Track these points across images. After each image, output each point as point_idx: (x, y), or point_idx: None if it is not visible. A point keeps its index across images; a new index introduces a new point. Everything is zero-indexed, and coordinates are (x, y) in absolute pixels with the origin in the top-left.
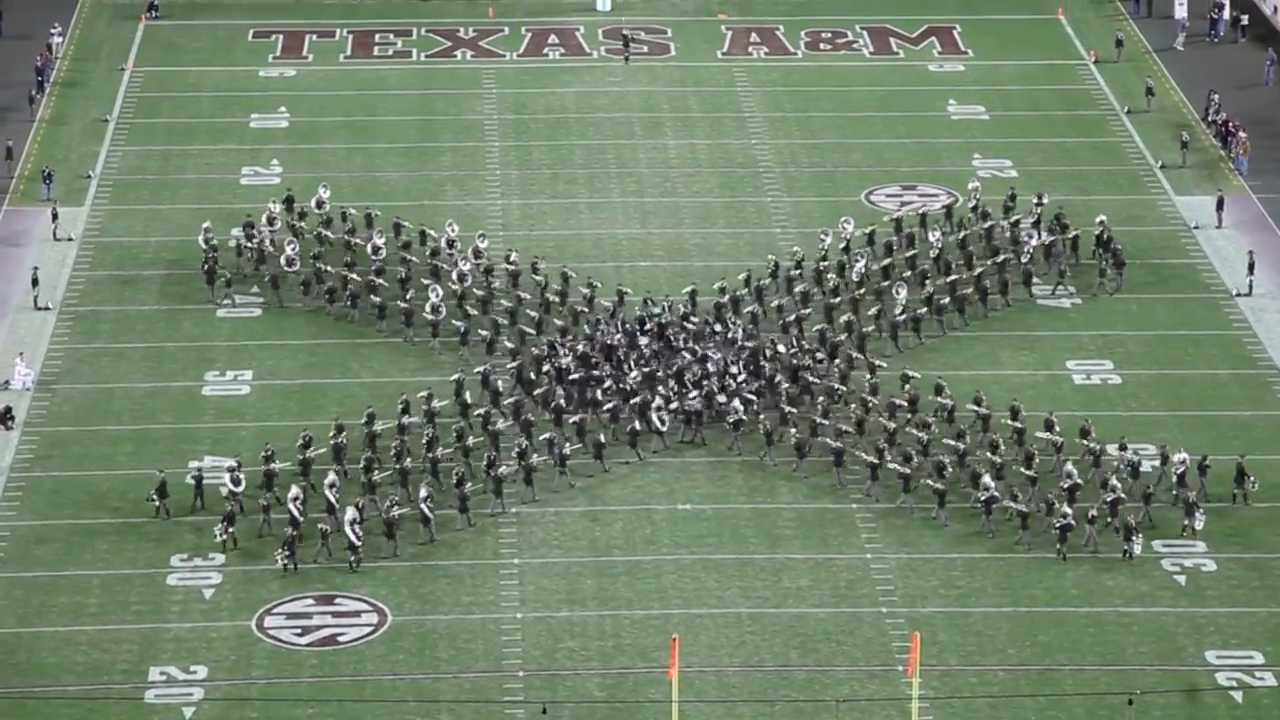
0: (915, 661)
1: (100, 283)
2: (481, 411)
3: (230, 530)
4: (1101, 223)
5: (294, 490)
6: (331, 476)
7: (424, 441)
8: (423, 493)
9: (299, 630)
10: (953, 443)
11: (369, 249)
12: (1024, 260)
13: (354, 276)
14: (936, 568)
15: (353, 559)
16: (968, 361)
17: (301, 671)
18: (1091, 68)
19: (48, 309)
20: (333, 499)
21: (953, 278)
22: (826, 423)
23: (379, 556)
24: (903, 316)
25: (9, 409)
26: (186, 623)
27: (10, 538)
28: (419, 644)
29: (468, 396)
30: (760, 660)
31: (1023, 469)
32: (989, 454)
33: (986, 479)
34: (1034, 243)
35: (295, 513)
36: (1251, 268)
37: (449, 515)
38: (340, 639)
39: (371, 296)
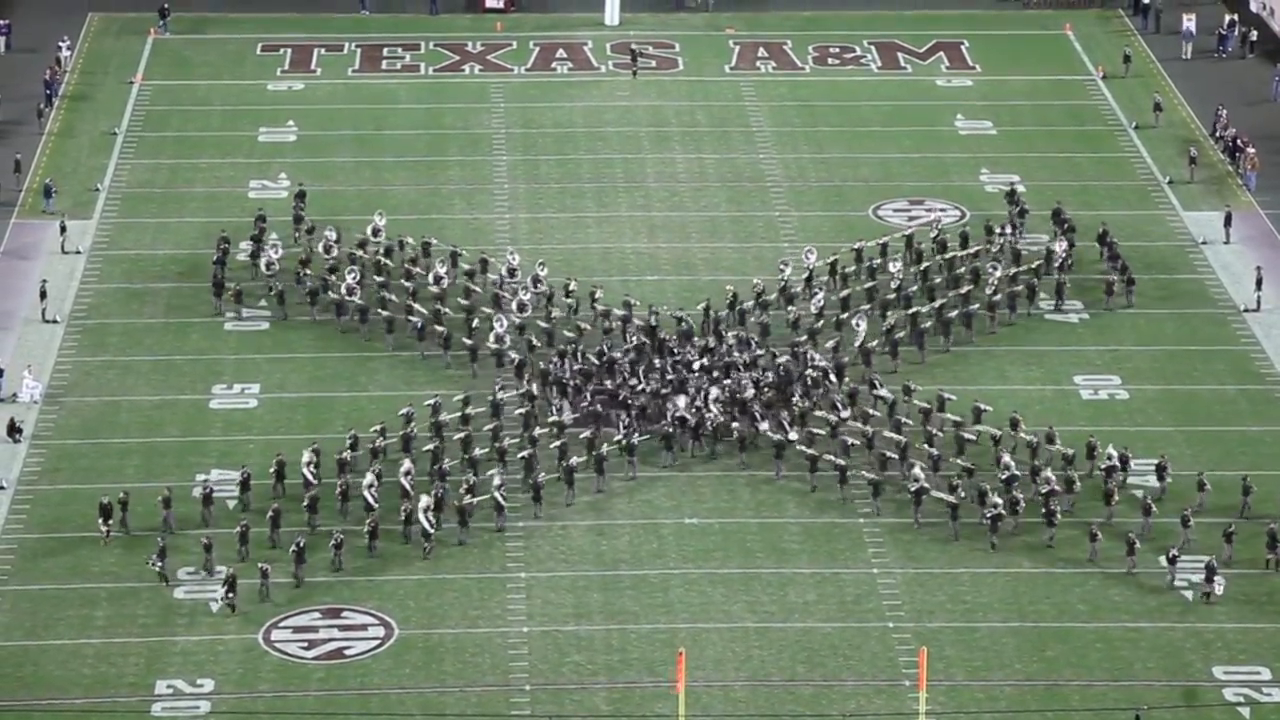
0: (922, 676)
1: (108, 295)
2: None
3: (161, 565)
4: (1103, 225)
5: (369, 477)
6: (407, 464)
7: (458, 437)
8: (496, 480)
9: (306, 644)
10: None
11: (430, 278)
12: (988, 293)
13: (418, 307)
14: (943, 582)
15: (426, 546)
16: (975, 377)
17: (308, 685)
18: (1099, 83)
19: (56, 322)
20: (408, 486)
21: (913, 310)
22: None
23: (387, 570)
24: (874, 344)
25: (15, 421)
26: (193, 636)
27: (18, 550)
28: (425, 657)
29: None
30: (767, 675)
31: (958, 459)
32: (926, 446)
33: (917, 470)
34: (998, 274)
35: (370, 499)
36: (1259, 283)
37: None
38: (347, 652)
39: (409, 318)
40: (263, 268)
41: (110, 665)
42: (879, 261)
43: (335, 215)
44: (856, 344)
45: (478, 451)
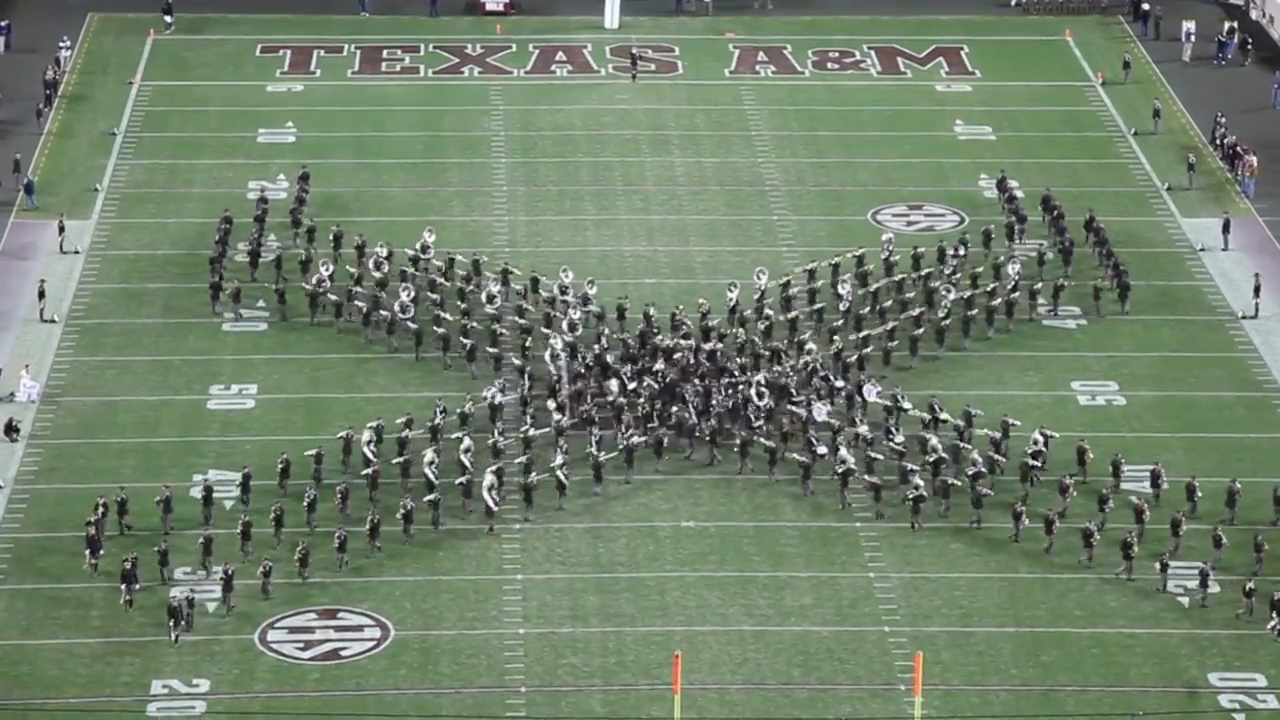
0: (918, 681)
1: (106, 296)
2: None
3: (94, 561)
4: (1090, 211)
5: (429, 455)
6: (467, 442)
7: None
8: (557, 460)
9: (302, 644)
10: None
11: (484, 296)
12: (940, 315)
13: (474, 324)
14: (939, 587)
15: (489, 524)
16: (973, 383)
17: (304, 685)
18: (1099, 89)
19: (54, 321)
20: (467, 463)
21: (865, 333)
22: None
23: (383, 570)
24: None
25: (13, 421)
26: (189, 635)
27: (14, 550)
28: (421, 659)
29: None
30: (762, 678)
31: (890, 443)
32: (861, 430)
33: (844, 453)
34: (952, 296)
35: (431, 477)
36: (1257, 290)
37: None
38: (343, 653)
39: (436, 328)
40: (311, 283)
41: (106, 665)
42: (834, 278)
43: (334, 217)
44: (802, 365)
45: (533, 431)
